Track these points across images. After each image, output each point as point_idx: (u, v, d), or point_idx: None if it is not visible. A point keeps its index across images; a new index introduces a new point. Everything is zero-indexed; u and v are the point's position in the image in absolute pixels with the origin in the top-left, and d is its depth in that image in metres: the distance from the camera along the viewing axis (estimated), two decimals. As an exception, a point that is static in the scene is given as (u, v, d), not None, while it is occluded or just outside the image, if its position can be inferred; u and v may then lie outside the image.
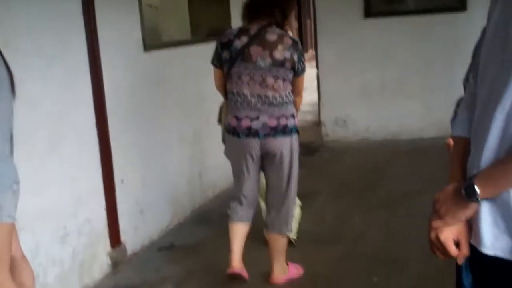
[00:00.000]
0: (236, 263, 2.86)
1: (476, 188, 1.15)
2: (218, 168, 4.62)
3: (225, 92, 2.86)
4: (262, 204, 3.24)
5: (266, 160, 2.83)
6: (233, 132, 2.81)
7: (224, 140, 2.99)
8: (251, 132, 2.76)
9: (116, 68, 3.29)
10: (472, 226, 1.22)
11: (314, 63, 6.80)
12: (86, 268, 3.02)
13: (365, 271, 3.05)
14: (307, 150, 5.88)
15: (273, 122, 2.75)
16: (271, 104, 2.74)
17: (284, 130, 2.77)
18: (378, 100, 6.02)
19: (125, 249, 3.33)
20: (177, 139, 4.04)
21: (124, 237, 3.32)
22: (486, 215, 1.17)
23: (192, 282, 3.08)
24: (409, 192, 4.28)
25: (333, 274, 3.08)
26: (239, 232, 2.92)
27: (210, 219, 4.08)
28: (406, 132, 5.97)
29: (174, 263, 3.33)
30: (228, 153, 2.95)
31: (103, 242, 3.17)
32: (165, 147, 3.88)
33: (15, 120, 1.97)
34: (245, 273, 2.87)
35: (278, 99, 2.74)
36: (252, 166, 2.84)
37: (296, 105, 2.88)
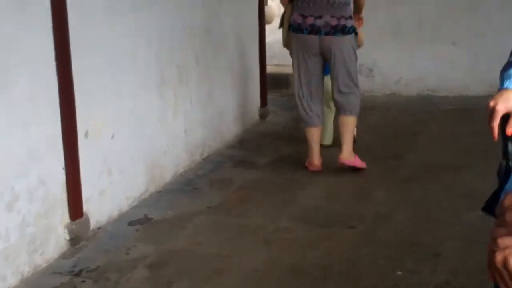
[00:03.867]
0: (317, 161, 4.13)
1: None
2: (208, 123, 4.61)
3: (286, 2, 4.06)
4: (325, 109, 4.42)
5: (327, 57, 3.97)
6: (297, 29, 3.94)
7: (285, 44, 4.18)
8: (313, 29, 3.89)
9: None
10: None
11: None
12: (38, 244, 3.00)
13: (387, 262, 3.05)
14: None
15: (334, 22, 3.86)
16: (333, 4, 3.84)
17: (343, 30, 3.90)
18: (413, 44, 5.92)
19: (87, 222, 3.31)
20: (157, 82, 3.98)
21: (87, 206, 3.30)
22: None
23: (170, 267, 3.07)
24: (446, 165, 4.26)
25: (348, 264, 3.07)
26: (315, 134, 4.16)
27: (196, 187, 4.06)
28: (446, 87, 5.91)
29: (149, 241, 3.32)
30: (292, 50, 4.07)
31: (61, 212, 3.14)
32: (141, 90, 3.82)
33: None
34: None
35: (340, 0, 3.84)
36: (313, 62, 3.97)
37: (360, 5, 4.17)
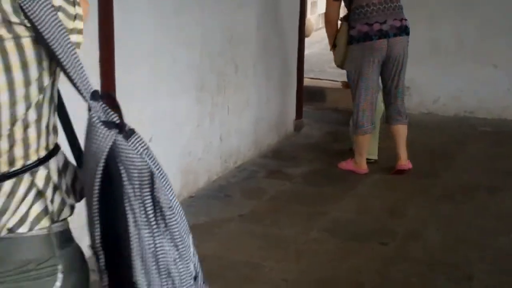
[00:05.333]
0: (366, 165, 4.46)
1: None
2: (243, 132, 4.64)
3: (335, 23, 4.37)
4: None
5: (390, 61, 4.28)
6: (364, 38, 4.19)
7: (340, 63, 4.38)
8: (382, 34, 4.18)
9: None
10: None
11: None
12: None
13: (418, 280, 3.03)
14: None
15: (397, 23, 4.21)
16: (394, 9, 4.22)
17: (406, 30, 4.28)
18: (452, 64, 5.87)
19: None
20: (197, 87, 4.02)
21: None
22: None
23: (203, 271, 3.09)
24: (481, 186, 4.23)
25: (379, 280, 3.07)
26: (368, 141, 4.45)
27: (229, 195, 4.09)
28: (485, 109, 5.84)
29: None
30: (353, 64, 4.27)
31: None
32: (181, 95, 3.86)
33: None
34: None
35: (397, 4, 4.25)
36: (377, 71, 4.28)
37: None
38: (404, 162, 4.44)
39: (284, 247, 3.37)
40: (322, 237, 3.50)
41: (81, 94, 1.16)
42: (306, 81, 5.89)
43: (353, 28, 4.23)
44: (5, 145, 1.11)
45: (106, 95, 1.23)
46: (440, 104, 5.98)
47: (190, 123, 4.00)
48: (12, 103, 1.09)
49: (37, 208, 1.14)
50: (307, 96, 5.83)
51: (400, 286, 3.01)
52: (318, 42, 5.43)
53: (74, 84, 1.15)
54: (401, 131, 4.44)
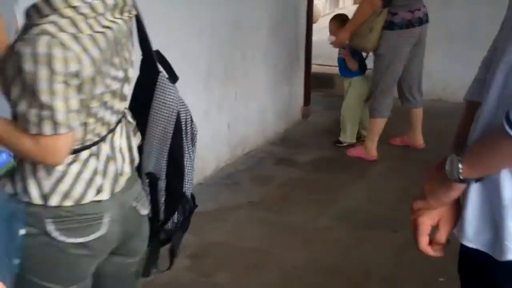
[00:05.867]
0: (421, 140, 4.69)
1: (460, 164, 1.17)
2: (251, 119, 4.61)
3: (378, 7, 4.26)
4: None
5: (420, 46, 4.45)
6: (408, 25, 4.29)
7: (374, 47, 4.38)
8: (421, 20, 4.34)
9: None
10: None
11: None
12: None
13: (429, 268, 3.00)
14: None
15: (425, 10, 4.41)
16: None
17: (427, 17, 4.44)
18: (463, 50, 5.82)
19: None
20: (204, 75, 4.00)
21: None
22: (473, 202, 1.21)
23: (210, 259, 3.09)
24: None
25: (389, 268, 3.05)
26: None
27: (237, 182, 4.08)
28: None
29: (189, 232, 3.23)
30: (389, 50, 4.32)
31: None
32: (189, 82, 3.83)
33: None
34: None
35: None
36: (407, 56, 4.37)
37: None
38: (420, 140, 4.67)
39: (293, 235, 3.36)
40: (332, 225, 3.49)
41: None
42: (314, 68, 5.85)
43: (396, 15, 4.28)
44: None
45: (156, 52, 1.81)
46: (449, 92, 5.93)
47: (197, 111, 3.97)
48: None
49: None
50: (315, 82, 5.79)
51: (411, 273, 2.99)
52: (326, 27, 5.39)
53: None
54: (418, 114, 4.64)
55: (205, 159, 4.08)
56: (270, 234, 3.37)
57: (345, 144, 4.73)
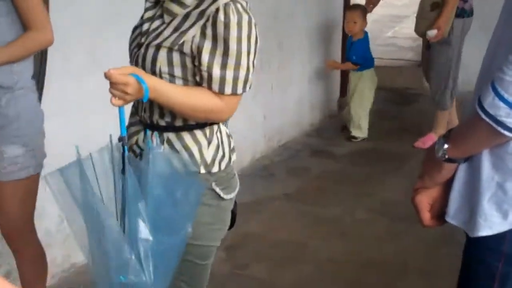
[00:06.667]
0: None
1: (446, 145, 1.24)
2: (287, 110, 4.60)
3: None
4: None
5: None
6: (470, 13, 4.31)
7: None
8: (472, 11, 4.36)
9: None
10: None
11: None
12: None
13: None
14: (402, 99, 5.74)
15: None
16: None
17: None
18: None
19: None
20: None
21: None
22: (459, 181, 1.27)
23: (246, 250, 3.10)
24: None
25: (425, 262, 3.02)
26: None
27: (273, 173, 4.08)
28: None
29: None
30: (456, 39, 4.29)
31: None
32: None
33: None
34: None
35: None
36: None
37: None
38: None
39: (329, 227, 3.35)
40: (368, 218, 3.47)
41: None
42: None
43: (466, 2, 4.29)
44: None
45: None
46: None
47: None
48: None
49: None
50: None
51: (445, 269, 2.95)
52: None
53: None
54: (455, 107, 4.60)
55: (242, 149, 4.08)
56: (306, 226, 3.36)
57: (359, 139, 4.67)
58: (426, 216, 1.36)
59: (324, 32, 5.06)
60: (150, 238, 1.45)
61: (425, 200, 1.35)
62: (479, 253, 1.28)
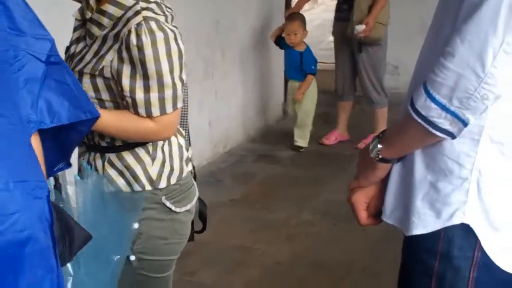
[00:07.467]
0: None
1: (379, 145, 1.26)
2: (232, 117, 4.64)
3: None
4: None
5: None
6: None
7: None
8: None
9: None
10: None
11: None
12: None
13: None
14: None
15: None
16: None
17: None
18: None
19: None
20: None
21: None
22: (393, 181, 1.29)
23: (194, 257, 3.11)
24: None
25: (371, 260, 3.10)
26: None
27: (219, 179, 4.11)
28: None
29: None
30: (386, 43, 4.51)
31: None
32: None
33: None
34: None
35: None
36: None
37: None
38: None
39: (276, 231, 3.39)
40: (314, 219, 3.53)
41: None
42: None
43: None
44: None
45: None
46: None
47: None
48: None
49: None
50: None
51: (390, 265, 3.02)
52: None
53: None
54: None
55: (187, 158, 4.10)
56: (253, 231, 3.40)
57: (303, 149, 4.66)
58: (363, 215, 1.38)
59: (266, 41, 5.11)
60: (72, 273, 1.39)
61: (361, 199, 1.37)
62: (416, 252, 1.30)
